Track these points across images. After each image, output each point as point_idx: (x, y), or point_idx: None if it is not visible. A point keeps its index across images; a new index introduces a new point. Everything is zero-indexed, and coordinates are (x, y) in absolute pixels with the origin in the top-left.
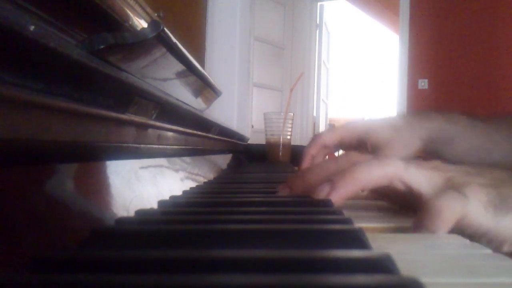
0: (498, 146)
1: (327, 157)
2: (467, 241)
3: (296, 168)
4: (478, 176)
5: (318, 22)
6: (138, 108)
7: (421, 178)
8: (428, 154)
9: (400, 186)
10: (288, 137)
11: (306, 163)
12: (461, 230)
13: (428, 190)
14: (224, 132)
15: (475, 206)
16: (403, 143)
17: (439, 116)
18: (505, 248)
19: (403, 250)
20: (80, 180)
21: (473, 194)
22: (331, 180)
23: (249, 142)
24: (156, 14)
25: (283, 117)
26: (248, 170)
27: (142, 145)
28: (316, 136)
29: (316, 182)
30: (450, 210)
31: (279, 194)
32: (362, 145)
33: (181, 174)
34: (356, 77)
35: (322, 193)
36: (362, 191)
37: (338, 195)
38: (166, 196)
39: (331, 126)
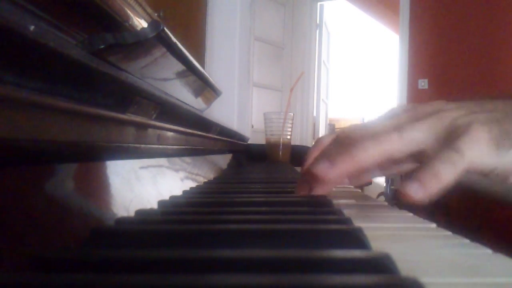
0: None
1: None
2: (467, 241)
3: (295, 168)
4: (481, 113)
5: (318, 22)
6: (138, 108)
7: (419, 135)
8: None
9: (400, 156)
10: (288, 137)
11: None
12: (470, 172)
13: (430, 144)
14: (224, 132)
15: (477, 151)
16: None
17: None
18: (511, 180)
19: (403, 250)
20: (80, 180)
21: (474, 139)
22: (330, 157)
23: (249, 142)
24: (156, 14)
25: (283, 117)
26: (248, 170)
27: (142, 145)
28: (317, 139)
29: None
30: (442, 174)
31: (297, 188)
32: None
33: (181, 174)
34: (356, 77)
35: (320, 169)
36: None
37: (336, 172)
38: (166, 196)
39: (332, 126)
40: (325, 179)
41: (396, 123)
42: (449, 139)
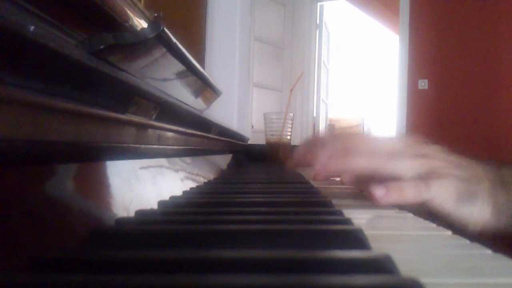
0: None
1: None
2: (467, 241)
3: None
4: (459, 170)
5: (318, 22)
6: (138, 108)
7: (403, 167)
8: None
9: (383, 174)
10: (288, 137)
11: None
12: (429, 210)
13: (409, 176)
14: (224, 132)
15: (440, 193)
16: None
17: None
18: (470, 229)
19: (403, 250)
20: (80, 180)
21: (440, 187)
22: (331, 155)
23: (249, 142)
24: (156, 14)
25: (283, 117)
26: (248, 170)
27: (142, 145)
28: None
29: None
30: (405, 192)
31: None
32: None
33: (181, 174)
34: (356, 77)
35: (318, 164)
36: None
37: (328, 167)
38: (166, 196)
39: (332, 126)
40: (319, 169)
41: (393, 152)
42: (425, 177)
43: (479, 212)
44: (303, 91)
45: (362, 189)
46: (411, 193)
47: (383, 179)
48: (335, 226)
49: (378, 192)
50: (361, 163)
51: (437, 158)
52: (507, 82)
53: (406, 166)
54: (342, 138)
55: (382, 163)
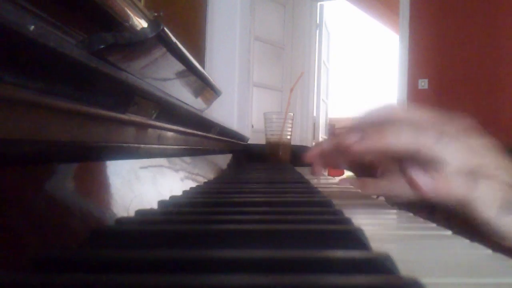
0: None
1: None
2: (467, 241)
3: (295, 168)
4: (505, 174)
5: (318, 22)
6: (138, 108)
7: (452, 153)
8: None
9: (426, 156)
10: (288, 137)
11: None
12: (467, 213)
13: (454, 166)
14: (224, 132)
15: (483, 197)
16: None
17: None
18: (506, 243)
19: (403, 250)
20: (80, 180)
21: (488, 188)
22: (364, 131)
23: (249, 142)
24: (156, 14)
25: (283, 117)
26: (248, 170)
27: (142, 145)
28: (318, 143)
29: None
30: (452, 186)
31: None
32: None
33: (181, 174)
34: (356, 77)
35: (350, 140)
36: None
37: (362, 145)
38: (166, 196)
39: (332, 126)
40: (351, 149)
41: (441, 131)
42: (470, 173)
43: None
44: (303, 91)
45: (365, 175)
46: (458, 188)
47: (420, 164)
48: (335, 226)
49: (424, 181)
50: (402, 141)
51: (487, 155)
52: (507, 81)
53: (456, 154)
54: (374, 112)
55: (429, 143)
